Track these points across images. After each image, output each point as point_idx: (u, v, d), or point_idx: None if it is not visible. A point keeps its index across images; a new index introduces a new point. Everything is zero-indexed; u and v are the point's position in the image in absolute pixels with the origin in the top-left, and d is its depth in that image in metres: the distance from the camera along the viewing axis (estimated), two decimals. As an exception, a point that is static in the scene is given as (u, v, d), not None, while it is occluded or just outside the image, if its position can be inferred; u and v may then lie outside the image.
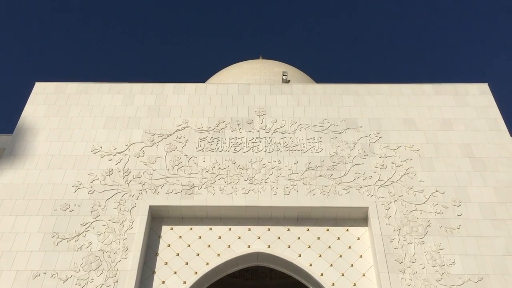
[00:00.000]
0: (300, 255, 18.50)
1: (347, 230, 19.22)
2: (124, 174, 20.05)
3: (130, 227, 18.44)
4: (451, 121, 21.96)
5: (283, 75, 31.88)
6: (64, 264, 17.43)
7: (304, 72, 40.64)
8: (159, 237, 19.06)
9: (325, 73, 78.97)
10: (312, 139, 21.35)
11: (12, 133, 21.75)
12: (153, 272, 18.04)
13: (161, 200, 19.31)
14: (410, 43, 78.99)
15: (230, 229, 19.26)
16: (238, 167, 20.31)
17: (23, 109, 22.70)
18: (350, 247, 18.71)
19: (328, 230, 19.21)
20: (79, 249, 17.82)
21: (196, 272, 18.02)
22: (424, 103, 22.71)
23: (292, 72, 37.93)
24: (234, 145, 21.17)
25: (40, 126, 21.92)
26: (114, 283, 16.98)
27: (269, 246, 18.77)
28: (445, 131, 21.58)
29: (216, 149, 20.99)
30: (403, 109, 22.49)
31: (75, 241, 18.05)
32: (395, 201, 19.18)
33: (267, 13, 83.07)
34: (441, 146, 21.00)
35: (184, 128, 21.80)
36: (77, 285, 16.92)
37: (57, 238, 18.13)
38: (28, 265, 17.39)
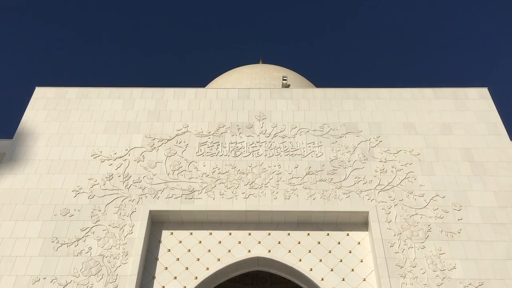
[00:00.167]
0: (300, 260, 18.47)
1: (348, 234, 19.19)
2: (124, 179, 20.04)
3: (130, 232, 18.41)
4: (451, 125, 21.98)
5: (283, 80, 31.91)
6: (63, 269, 17.39)
7: (304, 77, 40.71)
8: (159, 242, 19.03)
9: (325, 77, 79.27)
10: (312, 143, 21.36)
11: (12, 138, 21.76)
12: (153, 277, 17.99)
13: (161, 204, 19.29)
14: (410, 48, 79.22)
15: (230, 233, 19.23)
16: (238, 172, 20.31)
17: (23, 114, 22.72)
18: (350, 252, 18.68)
19: (328, 234, 19.18)
20: (79, 254, 17.79)
21: (196, 277, 17.97)
22: (424, 107, 22.73)
23: (292, 76, 38.00)
24: (234, 149, 21.18)
25: (40, 131, 21.93)
26: (114, 288, 16.96)
27: (269, 251, 18.74)
28: (445, 135, 21.60)
29: (216, 154, 21.00)
30: (403, 113, 22.51)
31: (75, 246, 18.02)
32: (395, 205, 19.16)
33: (267, 18, 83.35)
34: (441, 150, 21.01)
35: (184, 132, 21.81)
36: (77, 290, 16.87)
37: (57, 243, 18.09)
38: (28, 270, 17.36)
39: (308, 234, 19.17)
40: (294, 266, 18.26)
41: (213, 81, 41.03)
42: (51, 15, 75.24)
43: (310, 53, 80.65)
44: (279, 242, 18.97)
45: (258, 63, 42.10)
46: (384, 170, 20.32)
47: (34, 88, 23.80)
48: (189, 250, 18.75)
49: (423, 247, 17.94)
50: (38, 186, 19.86)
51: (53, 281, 17.08)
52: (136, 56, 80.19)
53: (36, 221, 18.72)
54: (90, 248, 17.95)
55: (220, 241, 19.01)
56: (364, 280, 17.88)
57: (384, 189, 19.70)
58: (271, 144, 21.35)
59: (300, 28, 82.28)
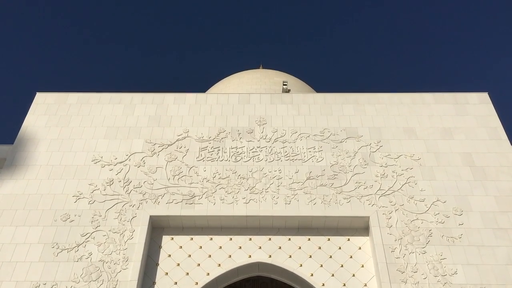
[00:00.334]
0: (301, 265, 18.42)
1: (348, 239, 19.15)
2: (125, 184, 20.03)
3: (131, 237, 18.38)
4: (452, 130, 21.98)
5: (284, 85, 32.01)
6: (64, 275, 17.36)
7: (304, 82, 40.78)
8: (160, 247, 19.00)
9: (325, 82, 79.31)
10: (313, 148, 21.36)
11: (12, 144, 21.78)
12: (154, 283, 17.94)
13: (162, 210, 19.27)
14: (411, 53, 79.37)
15: (230, 239, 19.20)
16: (239, 177, 20.30)
17: (24, 119, 22.76)
18: (351, 257, 18.63)
19: (329, 239, 19.15)
20: (79, 260, 17.76)
21: (197, 283, 17.92)
22: (424, 112, 22.75)
23: (293, 81, 38.07)
24: (235, 154, 21.18)
25: (41, 136, 21.95)
26: (114, 293, 16.92)
27: (270, 256, 18.70)
28: (446, 140, 21.59)
29: (216, 159, 21.00)
30: (403, 118, 22.52)
31: (75, 252, 17.99)
32: (396, 210, 19.13)
33: (268, 23, 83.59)
34: (441, 155, 21.00)
35: (185, 137, 21.82)
36: (77, 296, 16.84)
37: (57, 248, 18.07)
38: (28, 276, 17.32)
39: (309, 239, 19.14)
40: (295, 271, 18.22)
41: (213, 86, 41.11)
42: (52, 20, 75.52)
43: (311, 58, 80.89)
44: (280, 247, 18.94)
45: (259, 68, 42.19)
46: (385, 175, 20.31)
47: (35, 94, 23.86)
48: (190, 256, 18.71)
49: (424, 252, 17.90)
50: (38, 191, 19.86)
51: (53, 286, 17.04)
52: (137, 61, 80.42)
53: (36, 226, 18.71)
54: (91, 254, 17.92)
55: (220, 246, 18.97)
56: (365, 285, 17.82)
57: (385, 194, 19.68)
58: (271, 149, 21.35)
59: (300, 33, 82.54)
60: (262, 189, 19.88)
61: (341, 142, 21.57)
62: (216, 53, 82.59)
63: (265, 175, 20.37)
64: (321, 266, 18.36)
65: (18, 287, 17.03)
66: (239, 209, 19.27)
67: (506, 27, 71.19)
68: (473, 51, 75.69)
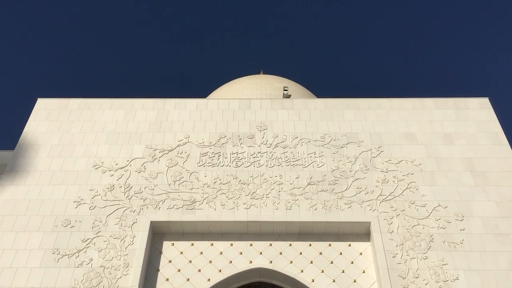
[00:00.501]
0: (302, 271, 18.37)
1: (350, 245, 19.11)
2: (125, 190, 20.02)
3: (131, 243, 18.35)
4: (452, 135, 21.97)
5: (284, 90, 32.05)
6: (64, 281, 17.31)
7: (305, 87, 40.82)
8: (160, 253, 18.96)
9: (326, 87, 79.32)
10: (314, 153, 21.35)
11: (13, 149, 21.81)
12: (154, 289, 17.90)
13: (162, 215, 19.25)
14: (411, 58, 79.48)
15: (231, 244, 19.16)
16: (240, 182, 20.29)
17: (25, 125, 22.79)
18: (352, 262, 18.58)
19: (330, 245, 19.10)
20: (79, 266, 17.72)
21: (198, 289, 17.87)
22: (425, 117, 22.74)
23: (293, 87, 38.10)
24: (236, 160, 21.18)
25: (42, 142, 21.97)
26: (115, 299, 16.87)
27: (271, 262, 18.65)
28: (447, 145, 21.58)
29: (217, 164, 20.99)
30: (404, 123, 22.52)
31: (76, 258, 17.96)
32: (397, 215, 19.09)
33: (268, 28, 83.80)
34: (442, 160, 20.97)
35: (186, 143, 21.83)
36: (78, 302, 16.80)
37: (57, 254, 18.04)
38: (29, 282, 17.28)
39: (310, 245, 19.10)
40: (296, 277, 18.16)
41: (214, 91, 41.17)
42: (53, 26, 75.80)
43: (311, 64, 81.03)
44: (281, 253, 18.89)
45: (259, 73, 42.25)
46: (386, 180, 20.28)
47: (36, 100, 23.91)
48: (190, 261, 18.67)
49: (425, 257, 17.84)
50: (39, 197, 19.85)
51: (54, 292, 16.99)
52: (137, 66, 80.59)
53: (37, 232, 18.68)
54: (91, 259, 17.88)
55: (221, 252, 18.93)
56: (367, 291, 17.75)
57: (386, 199, 19.64)
58: (272, 155, 21.35)
59: (301, 39, 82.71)
60: (263, 194, 19.86)
61: (342, 147, 21.57)
62: (217, 58, 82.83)
63: (266, 180, 20.35)
64: (322, 271, 18.31)
65: (19, 293, 16.99)
66: (240, 215, 19.24)
67: (507, 33, 71.35)
68: (474, 56, 75.84)
